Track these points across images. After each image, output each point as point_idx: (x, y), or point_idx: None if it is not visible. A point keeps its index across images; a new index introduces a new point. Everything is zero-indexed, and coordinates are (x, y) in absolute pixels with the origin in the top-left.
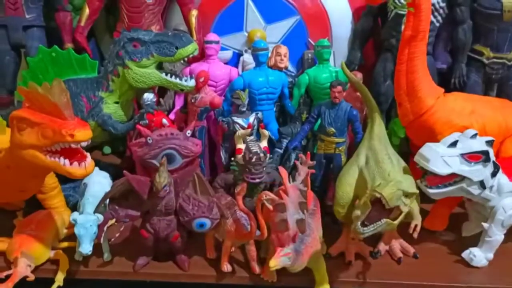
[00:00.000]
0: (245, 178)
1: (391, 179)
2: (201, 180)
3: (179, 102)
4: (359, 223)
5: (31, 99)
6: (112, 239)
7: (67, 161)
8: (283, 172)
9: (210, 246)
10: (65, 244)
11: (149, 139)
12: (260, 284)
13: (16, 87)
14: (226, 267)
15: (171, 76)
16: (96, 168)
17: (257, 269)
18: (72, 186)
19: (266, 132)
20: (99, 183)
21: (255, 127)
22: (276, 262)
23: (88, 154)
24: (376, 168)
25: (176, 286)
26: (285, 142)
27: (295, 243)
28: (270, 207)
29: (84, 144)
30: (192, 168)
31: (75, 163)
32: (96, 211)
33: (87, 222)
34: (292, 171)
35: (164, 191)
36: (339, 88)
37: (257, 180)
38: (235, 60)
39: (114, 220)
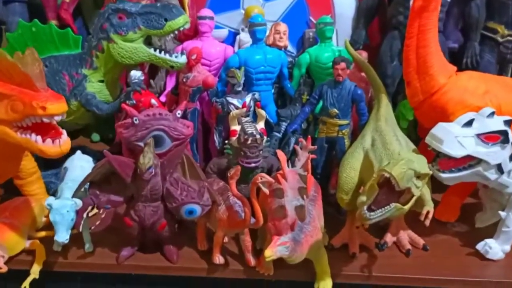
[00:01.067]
0: (240, 163)
1: (402, 157)
2: (191, 163)
3: (170, 84)
4: (365, 207)
5: None
6: (92, 227)
7: (39, 138)
8: (281, 155)
9: (201, 236)
10: (42, 234)
11: (136, 119)
12: (256, 278)
13: None
14: (218, 259)
15: (160, 52)
16: (79, 152)
17: (252, 261)
18: (54, 172)
19: (263, 113)
20: (80, 168)
21: (251, 109)
22: (272, 252)
23: (64, 131)
24: (384, 150)
25: (165, 280)
26: (284, 125)
27: (294, 231)
28: (266, 191)
29: (57, 118)
30: (180, 149)
31: (49, 140)
32: (74, 196)
33: (63, 208)
34: (292, 157)
35: (149, 174)
36: (343, 64)
37: (253, 165)
38: (231, 40)
39: (95, 208)
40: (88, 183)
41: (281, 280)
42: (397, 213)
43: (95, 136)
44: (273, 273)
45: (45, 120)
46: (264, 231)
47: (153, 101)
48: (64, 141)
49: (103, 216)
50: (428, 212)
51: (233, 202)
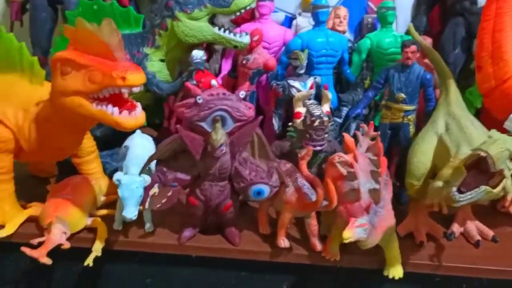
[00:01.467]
0: (304, 145)
1: (497, 137)
2: (262, 142)
3: (226, 67)
4: (454, 189)
5: (77, 39)
6: (158, 205)
7: (116, 110)
8: (349, 138)
9: (264, 219)
10: (103, 212)
11: (199, 99)
12: (321, 264)
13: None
14: (284, 242)
15: (224, 31)
16: (139, 131)
17: (318, 245)
18: (110, 153)
19: (330, 95)
20: (142, 146)
21: (314, 92)
22: (350, 233)
23: (138, 104)
24: (461, 134)
25: (225, 263)
26: (345, 110)
27: (369, 214)
28: (344, 171)
29: (136, 89)
30: (251, 127)
31: (125, 112)
32: (142, 172)
33: (132, 183)
34: None
35: (220, 151)
36: (413, 47)
37: (318, 148)
38: (286, 25)
39: (156, 188)
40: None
41: (346, 267)
42: (486, 196)
43: None
44: (339, 259)
45: (124, 91)
46: (329, 217)
47: (213, 82)
48: (140, 113)
49: (169, 194)
50: None
51: (301, 184)
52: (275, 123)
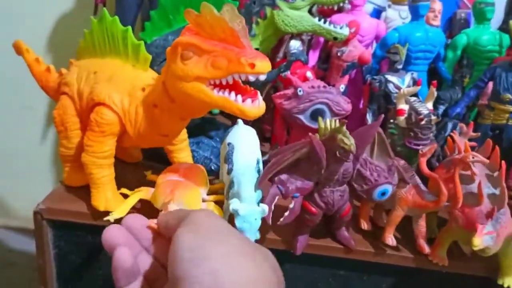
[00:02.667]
0: (407, 144)
1: None
2: (382, 140)
3: (313, 58)
4: None
5: (201, 24)
6: (281, 220)
7: (239, 97)
8: (459, 140)
9: (366, 215)
10: (214, 197)
11: (300, 90)
12: (426, 268)
13: (134, 32)
14: (392, 240)
15: (324, 22)
16: (241, 122)
17: (426, 248)
18: (195, 141)
19: (435, 92)
20: (248, 145)
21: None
22: (480, 241)
23: (259, 92)
24: None
25: (321, 260)
26: (441, 108)
27: (492, 221)
28: (477, 171)
29: (262, 77)
30: (374, 127)
31: (248, 100)
32: (259, 185)
33: (251, 216)
34: (445, 143)
35: (352, 156)
36: None
37: (421, 147)
38: (374, 17)
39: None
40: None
41: (455, 273)
42: None
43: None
44: (447, 264)
45: (251, 78)
46: (432, 219)
47: (308, 74)
48: (262, 103)
49: (291, 206)
50: None
51: (418, 181)
52: (369, 118)
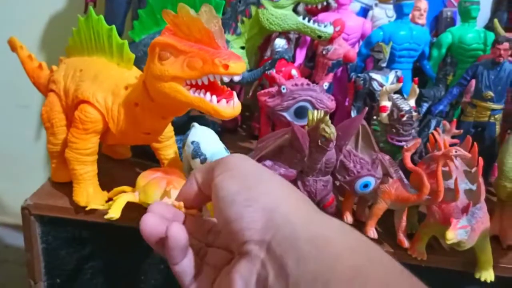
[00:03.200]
0: (389, 140)
1: None
2: (367, 133)
3: (300, 56)
4: None
5: (178, 24)
6: None
7: (214, 98)
8: (438, 136)
9: (349, 208)
10: None
11: (283, 88)
12: (405, 262)
13: (124, 30)
14: (373, 233)
15: (308, 21)
16: (196, 123)
17: (406, 242)
18: (179, 138)
19: (417, 89)
20: (212, 138)
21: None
22: (453, 235)
23: (234, 93)
24: None
25: None
26: (425, 106)
27: (467, 216)
28: (458, 165)
29: (237, 78)
30: (358, 119)
31: (223, 100)
32: None
33: None
34: (428, 141)
35: (333, 144)
36: (506, 45)
37: (404, 143)
38: (361, 16)
39: None
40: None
41: (432, 268)
42: None
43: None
44: (426, 258)
45: (225, 79)
46: (413, 214)
47: (293, 71)
48: (237, 103)
49: None
50: None
51: (402, 175)
52: (354, 116)
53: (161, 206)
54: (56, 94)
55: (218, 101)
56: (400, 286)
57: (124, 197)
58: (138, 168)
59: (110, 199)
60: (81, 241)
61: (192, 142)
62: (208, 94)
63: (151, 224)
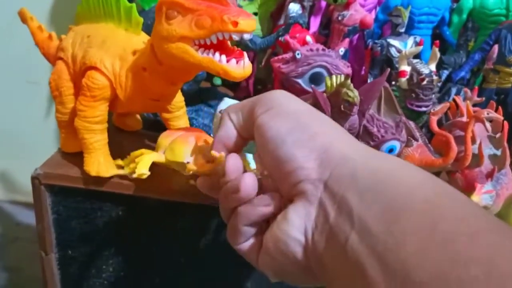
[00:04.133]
0: (408, 106)
1: None
2: (389, 96)
3: (315, 23)
4: None
5: None
6: None
7: (224, 57)
8: (461, 101)
9: None
10: None
11: (298, 54)
12: None
13: None
14: None
15: None
16: (226, 98)
17: None
18: (194, 109)
19: (438, 53)
20: None
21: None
22: (478, 199)
23: (245, 53)
24: None
25: None
26: (445, 73)
27: (492, 181)
28: (490, 128)
29: (247, 36)
30: (379, 82)
31: (233, 60)
32: None
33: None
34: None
35: (356, 109)
36: None
37: (423, 109)
38: None
39: None
40: None
41: None
42: None
43: (217, 80)
44: None
45: (235, 37)
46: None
47: (308, 38)
48: (247, 63)
49: None
50: None
51: (426, 140)
52: None
53: (237, 160)
54: (64, 61)
55: (227, 61)
56: (477, 220)
57: (150, 156)
58: (149, 140)
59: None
60: (93, 211)
61: (221, 111)
62: (217, 54)
63: (252, 184)
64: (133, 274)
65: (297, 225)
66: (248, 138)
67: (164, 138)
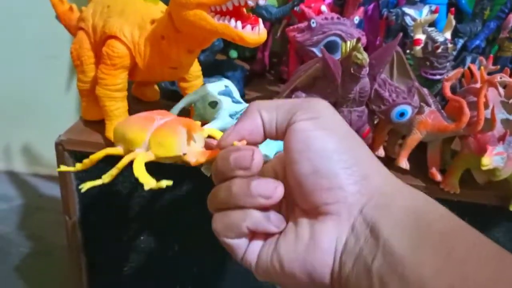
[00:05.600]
0: (423, 74)
1: None
2: (402, 61)
3: None
4: None
5: None
6: None
7: (239, 24)
8: (475, 68)
9: (381, 141)
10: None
11: (313, 22)
12: (437, 197)
13: None
14: (405, 163)
15: None
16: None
17: (438, 176)
18: (208, 80)
19: (453, 21)
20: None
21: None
22: (489, 161)
23: (260, 20)
24: None
25: None
26: (460, 42)
27: (504, 145)
28: (502, 92)
29: (262, 2)
30: (392, 46)
31: (248, 26)
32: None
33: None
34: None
35: (365, 71)
36: None
37: (438, 77)
38: None
39: None
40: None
41: (465, 201)
42: None
43: (233, 53)
44: (458, 192)
45: (250, 3)
46: (446, 151)
47: (323, 7)
48: (262, 29)
49: None
50: None
51: (439, 106)
52: None
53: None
54: (85, 31)
55: (243, 27)
56: (485, 247)
57: (138, 160)
58: (167, 109)
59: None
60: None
61: (226, 86)
62: (232, 20)
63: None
64: (152, 238)
65: (327, 248)
66: (271, 138)
67: (138, 132)
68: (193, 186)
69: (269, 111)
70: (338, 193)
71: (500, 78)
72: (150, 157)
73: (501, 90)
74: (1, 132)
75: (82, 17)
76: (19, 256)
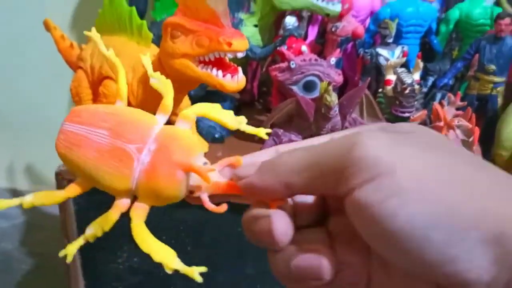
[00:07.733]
0: (393, 112)
1: None
2: (370, 102)
3: (312, 33)
4: None
5: (187, 5)
6: None
7: (220, 73)
8: (439, 107)
9: None
10: None
11: (292, 64)
12: None
13: (146, 10)
14: None
15: (317, 0)
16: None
17: None
18: None
19: (421, 64)
20: None
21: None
22: None
23: (239, 68)
24: None
25: None
26: (430, 80)
27: None
28: (461, 135)
29: (240, 55)
30: (360, 89)
31: (228, 75)
32: None
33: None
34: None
35: (334, 112)
36: (507, 20)
37: (407, 114)
38: None
39: None
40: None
41: None
42: None
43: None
44: None
45: (229, 55)
46: None
47: (303, 48)
48: (241, 78)
49: None
50: None
51: None
52: None
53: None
54: (83, 71)
55: (223, 76)
56: None
57: (137, 223)
58: None
59: None
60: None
61: None
62: (214, 69)
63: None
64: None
65: None
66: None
67: (108, 180)
68: (190, 211)
69: (299, 174)
70: (466, 276)
71: (458, 122)
72: (145, 209)
73: (458, 132)
74: (4, 150)
75: (81, 57)
76: (20, 273)
